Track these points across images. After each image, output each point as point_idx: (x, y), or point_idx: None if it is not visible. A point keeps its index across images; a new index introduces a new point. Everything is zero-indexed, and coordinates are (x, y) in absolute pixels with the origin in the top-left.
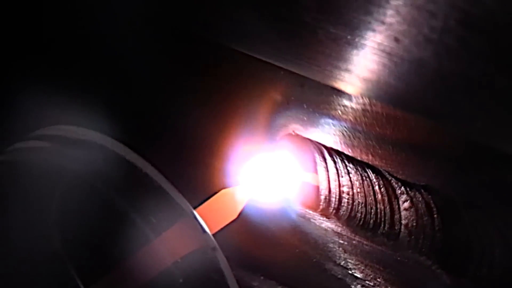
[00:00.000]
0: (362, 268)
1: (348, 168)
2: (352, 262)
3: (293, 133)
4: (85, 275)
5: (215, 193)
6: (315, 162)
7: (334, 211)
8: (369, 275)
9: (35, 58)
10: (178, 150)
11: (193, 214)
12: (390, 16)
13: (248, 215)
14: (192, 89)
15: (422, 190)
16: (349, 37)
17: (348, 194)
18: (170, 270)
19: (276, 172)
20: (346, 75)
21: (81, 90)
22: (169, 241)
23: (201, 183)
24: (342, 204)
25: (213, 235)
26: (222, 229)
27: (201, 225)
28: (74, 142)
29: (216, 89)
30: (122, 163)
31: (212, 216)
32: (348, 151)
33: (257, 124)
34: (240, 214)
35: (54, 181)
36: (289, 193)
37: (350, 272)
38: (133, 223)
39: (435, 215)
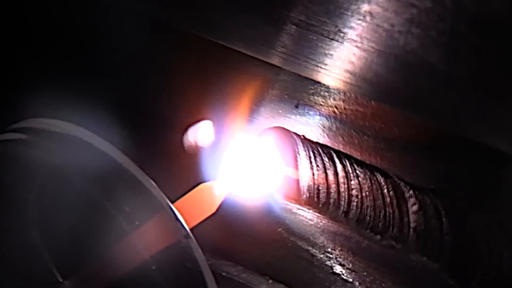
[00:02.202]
0: (371, 271)
1: (357, 171)
2: (361, 265)
3: (303, 137)
4: (63, 268)
5: (194, 187)
6: (324, 165)
7: (343, 214)
8: (378, 278)
9: (17, 51)
10: (157, 144)
11: (167, 204)
12: (397, 19)
13: (255, 214)
14: (171, 81)
15: (431, 194)
16: (357, 40)
17: (357, 197)
18: (146, 262)
19: (263, 167)
20: (354, 78)
21: (59, 83)
22: (146, 235)
23: (180, 177)
24: (351, 207)
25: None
26: (200, 223)
27: (174, 214)
28: (51, 134)
29: (202, 83)
30: (99, 155)
31: (190, 211)
32: (357, 155)
33: (252, 122)
34: (218, 208)
35: (32, 173)
36: (273, 189)
37: (359, 275)
38: (106, 212)
39: (444, 219)
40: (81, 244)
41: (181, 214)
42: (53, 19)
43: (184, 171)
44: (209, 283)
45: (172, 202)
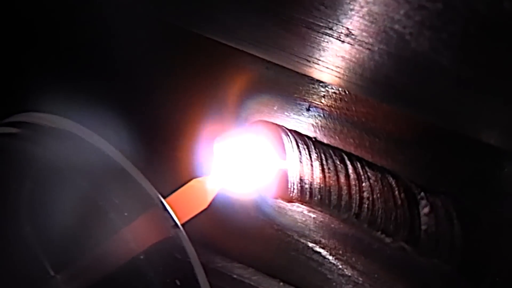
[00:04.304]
0: (382, 273)
1: (369, 173)
2: (372, 267)
3: (314, 139)
4: (55, 261)
5: (186, 182)
6: (335, 168)
7: (354, 216)
8: (389, 280)
9: (18, 48)
10: (148, 139)
11: (156, 196)
12: (408, 21)
13: (263, 214)
14: (164, 78)
15: (442, 196)
16: (367, 42)
17: (368, 199)
18: (138, 256)
19: (269, 168)
20: (365, 81)
21: (57, 79)
22: (137, 230)
23: (172, 172)
24: (363, 209)
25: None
26: (192, 218)
27: (163, 204)
28: (43, 129)
29: (208, 83)
30: (91, 150)
31: (181, 206)
32: (368, 157)
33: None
34: (211, 203)
35: (24, 167)
36: (278, 190)
37: (369, 277)
38: (95, 204)
39: (455, 220)
40: (73, 238)
41: (173, 209)
42: (55, 16)
43: (177, 167)
44: (198, 273)
45: (164, 198)
